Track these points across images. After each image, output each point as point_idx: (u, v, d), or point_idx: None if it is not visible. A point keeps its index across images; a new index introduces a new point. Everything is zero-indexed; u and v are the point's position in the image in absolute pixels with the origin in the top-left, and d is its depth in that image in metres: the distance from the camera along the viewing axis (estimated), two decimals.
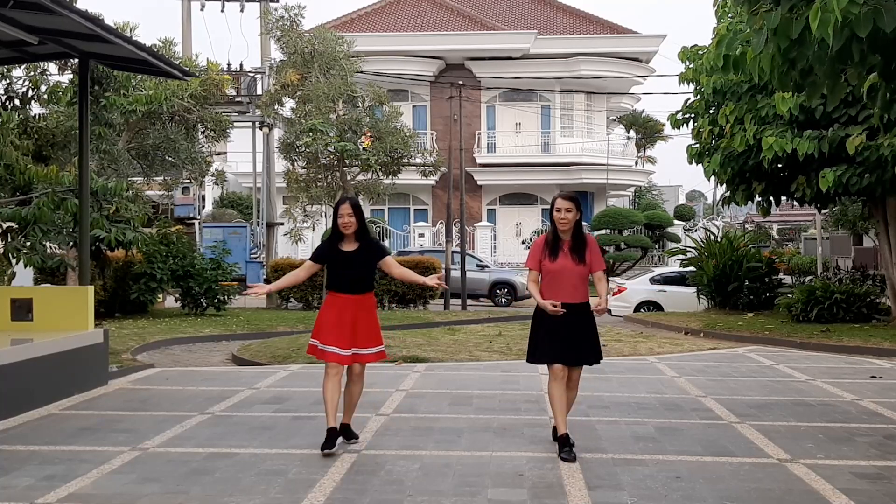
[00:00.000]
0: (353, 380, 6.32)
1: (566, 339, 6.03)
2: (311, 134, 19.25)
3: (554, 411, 6.13)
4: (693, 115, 16.01)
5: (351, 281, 6.23)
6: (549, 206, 6.64)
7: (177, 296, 19.49)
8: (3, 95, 13.04)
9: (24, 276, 14.34)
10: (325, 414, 6.15)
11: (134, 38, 10.11)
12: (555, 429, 6.24)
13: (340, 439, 6.27)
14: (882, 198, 14.70)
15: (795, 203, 17.01)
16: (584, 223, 6.38)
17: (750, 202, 16.55)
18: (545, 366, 6.17)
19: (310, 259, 6.45)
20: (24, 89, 13.47)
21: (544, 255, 6.10)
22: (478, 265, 27.18)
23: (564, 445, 5.94)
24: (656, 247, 35.39)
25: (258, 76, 23.96)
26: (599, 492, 5.17)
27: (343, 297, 6.21)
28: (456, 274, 24.39)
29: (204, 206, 35.73)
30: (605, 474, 5.56)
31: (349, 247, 6.25)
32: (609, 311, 20.34)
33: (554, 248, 6.08)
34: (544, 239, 6.18)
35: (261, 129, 23.88)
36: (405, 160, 21.69)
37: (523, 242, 36.59)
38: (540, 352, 6.15)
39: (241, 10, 25.21)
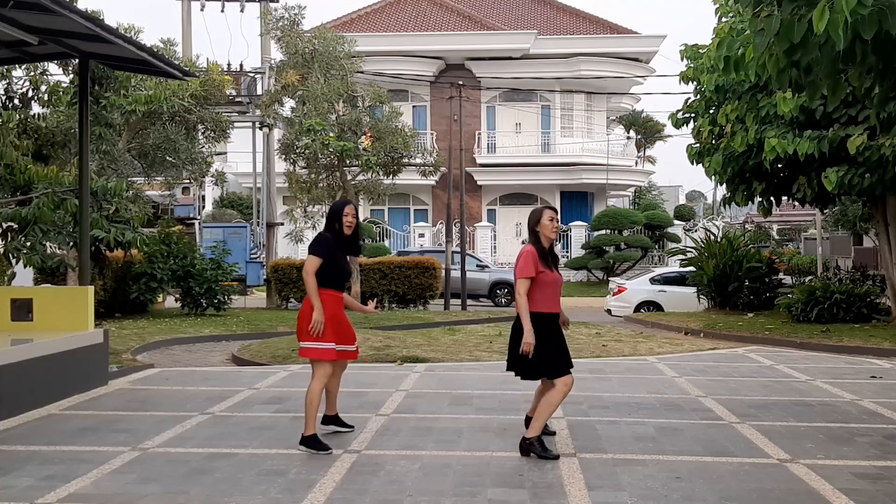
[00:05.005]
0: (339, 374, 6.60)
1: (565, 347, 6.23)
2: (309, 134, 19.24)
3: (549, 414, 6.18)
4: (693, 115, 16.02)
5: (347, 278, 6.49)
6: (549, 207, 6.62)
7: (177, 296, 19.49)
8: (3, 95, 13.02)
9: (24, 276, 14.34)
10: (312, 419, 6.09)
11: (134, 39, 10.10)
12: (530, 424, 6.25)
13: (333, 428, 6.60)
14: (882, 198, 14.71)
15: (796, 203, 17.00)
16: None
17: (750, 202, 16.56)
18: None
19: (320, 258, 6.18)
20: (24, 89, 13.46)
21: (541, 266, 6.08)
22: (478, 265, 27.17)
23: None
24: (656, 247, 35.36)
25: (258, 76, 23.92)
26: (599, 492, 5.17)
27: (339, 295, 6.38)
28: (456, 274, 24.39)
29: (204, 207, 35.72)
30: (605, 474, 5.56)
31: (345, 246, 6.47)
32: (609, 311, 20.39)
33: (546, 259, 6.13)
34: (536, 251, 6.12)
35: (261, 129, 23.85)
36: (405, 160, 21.67)
37: (523, 243, 36.51)
38: (564, 362, 6.11)
39: (241, 11, 25.16)
